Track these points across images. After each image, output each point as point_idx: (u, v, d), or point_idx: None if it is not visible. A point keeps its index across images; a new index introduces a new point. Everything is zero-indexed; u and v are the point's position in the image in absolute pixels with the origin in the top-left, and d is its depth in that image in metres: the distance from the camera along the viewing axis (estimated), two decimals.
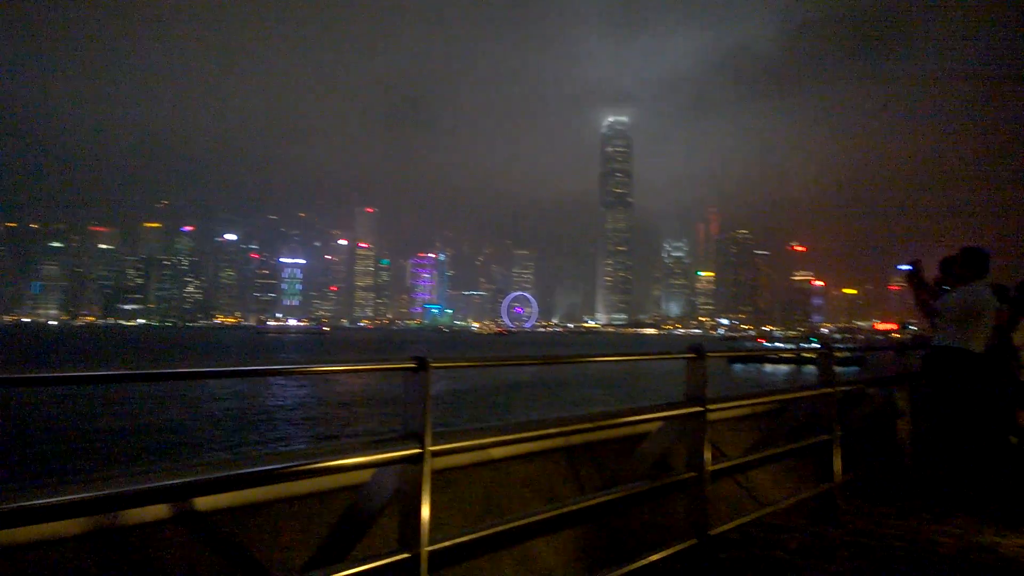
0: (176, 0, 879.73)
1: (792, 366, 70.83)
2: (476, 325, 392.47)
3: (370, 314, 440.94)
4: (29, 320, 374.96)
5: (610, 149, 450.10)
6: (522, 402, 37.65)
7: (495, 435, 3.00)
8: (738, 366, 70.03)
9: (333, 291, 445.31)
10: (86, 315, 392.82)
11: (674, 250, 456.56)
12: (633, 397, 39.69)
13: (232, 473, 2.10)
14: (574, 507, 3.30)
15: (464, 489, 3.60)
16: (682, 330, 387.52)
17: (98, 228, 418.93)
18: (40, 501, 1.68)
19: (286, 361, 2.51)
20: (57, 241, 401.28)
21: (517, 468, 3.98)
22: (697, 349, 4.08)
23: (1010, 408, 7.58)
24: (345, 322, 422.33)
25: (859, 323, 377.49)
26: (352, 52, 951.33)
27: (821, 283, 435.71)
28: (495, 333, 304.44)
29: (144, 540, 2.50)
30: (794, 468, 6.03)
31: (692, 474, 3.94)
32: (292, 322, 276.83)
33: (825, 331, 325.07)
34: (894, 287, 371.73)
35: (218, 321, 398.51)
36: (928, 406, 6.45)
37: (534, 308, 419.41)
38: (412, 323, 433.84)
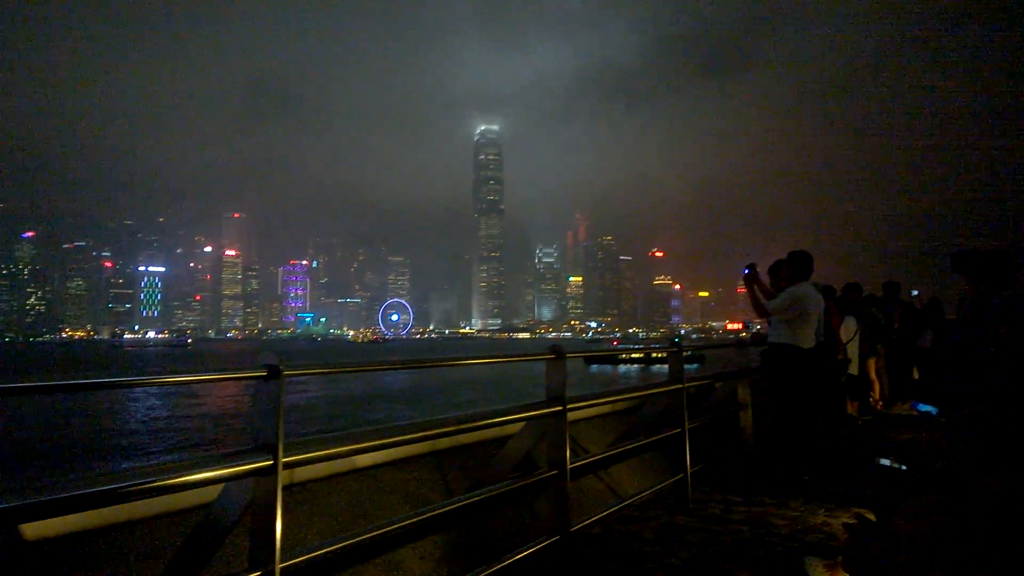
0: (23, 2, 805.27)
1: (643, 365, 76.41)
2: (351, 333, 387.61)
3: (239, 324, 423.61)
4: None
5: (483, 157, 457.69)
6: (393, 408, 37.49)
7: (355, 442, 2.90)
8: (594, 367, 76.48)
9: (198, 300, 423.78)
10: None
11: (545, 256, 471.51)
12: (505, 400, 40.12)
13: (64, 496, 1.87)
14: (439, 511, 3.27)
15: (326, 501, 3.50)
16: (554, 333, 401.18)
17: None
18: None
19: (139, 374, 2.30)
20: None
21: (384, 475, 3.94)
22: (556, 350, 4.11)
23: (839, 399, 8.42)
24: (212, 333, 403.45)
25: (713, 323, 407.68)
26: (217, 47, 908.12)
27: (678, 287, 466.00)
28: (370, 341, 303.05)
29: None
30: (651, 462, 6.27)
31: (554, 472, 3.97)
32: (152, 334, 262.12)
33: (683, 331, 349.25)
34: (741, 289, 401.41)
35: (66, 335, 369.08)
36: (766, 399, 6.89)
37: (410, 315, 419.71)
38: (284, 332, 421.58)
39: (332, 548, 2.63)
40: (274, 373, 2.39)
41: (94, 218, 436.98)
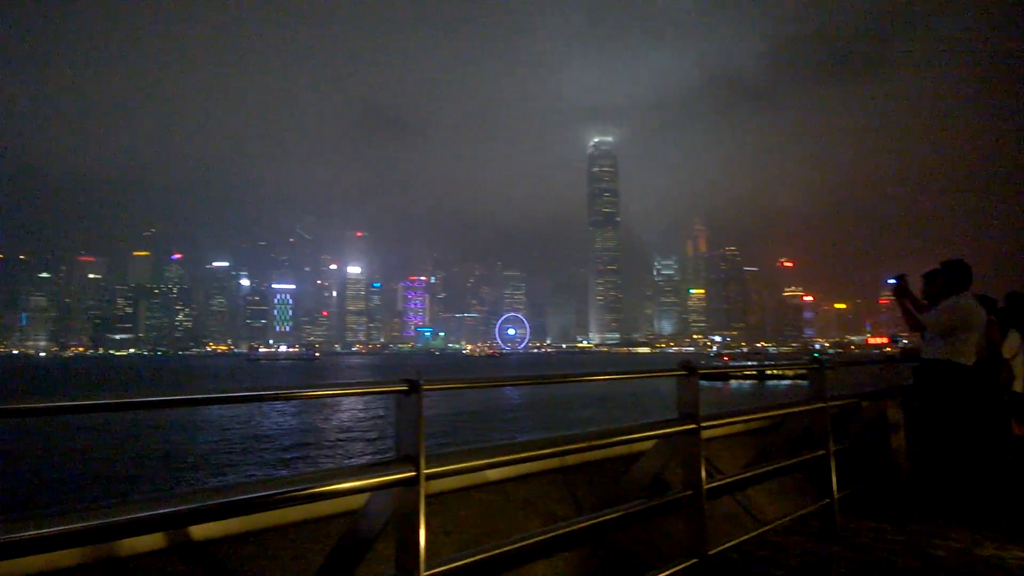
0: (159, 28, 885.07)
1: (756, 381, 71.88)
2: (468, 347, 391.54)
3: (362, 339, 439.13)
4: (17, 352, 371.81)
5: (596, 169, 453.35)
6: (516, 424, 37.46)
7: (490, 457, 2.98)
8: (703, 383, 69.88)
9: (325, 316, 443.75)
10: (75, 346, 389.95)
11: (664, 268, 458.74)
12: (629, 416, 39.05)
13: (225, 501, 2.09)
14: (570, 528, 3.25)
15: (459, 512, 3.57)
16: (675, 348, 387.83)
17: (86, 258, 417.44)
18: (36, 532, 1.68)
19: (278, 387, 2.50)
20: (45, 272, 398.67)
21: (513, 490, 3.94)
22: (687, 366, 4.03)
23: (1003, 420, 7.48)
24: (338, 347, 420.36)
25: (852, 337, 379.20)
26: (335, 74, 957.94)
27: (811, 298, 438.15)
28: (487, 355, 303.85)
29: (139, 570, 2.50)
30: (791, 484, 5.97)
31: (689, 492, 3.88)
32: (283, 348, 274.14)
33: (818, 346, 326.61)
34: (884, 300, 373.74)
35: (209, 349, 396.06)
36: (921, 419, 6.43)
37: (526, 329, 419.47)
38: (405, 347, 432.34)
39: (471, 560, 2.71)
40: (414, 388, 2.51)
41: (232, 240, 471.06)
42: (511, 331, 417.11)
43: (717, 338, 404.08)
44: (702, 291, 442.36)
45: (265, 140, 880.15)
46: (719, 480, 4.39)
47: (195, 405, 2.17)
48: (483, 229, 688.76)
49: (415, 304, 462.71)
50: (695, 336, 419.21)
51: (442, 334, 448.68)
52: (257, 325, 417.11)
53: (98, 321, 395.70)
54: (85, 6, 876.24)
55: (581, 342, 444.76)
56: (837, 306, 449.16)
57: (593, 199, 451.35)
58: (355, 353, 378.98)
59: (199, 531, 2.69)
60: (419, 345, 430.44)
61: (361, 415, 41.52)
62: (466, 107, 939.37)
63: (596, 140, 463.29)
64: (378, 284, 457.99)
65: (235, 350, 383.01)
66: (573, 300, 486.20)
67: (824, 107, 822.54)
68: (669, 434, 3.94)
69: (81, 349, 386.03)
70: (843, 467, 5.57)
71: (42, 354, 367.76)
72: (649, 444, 4.10)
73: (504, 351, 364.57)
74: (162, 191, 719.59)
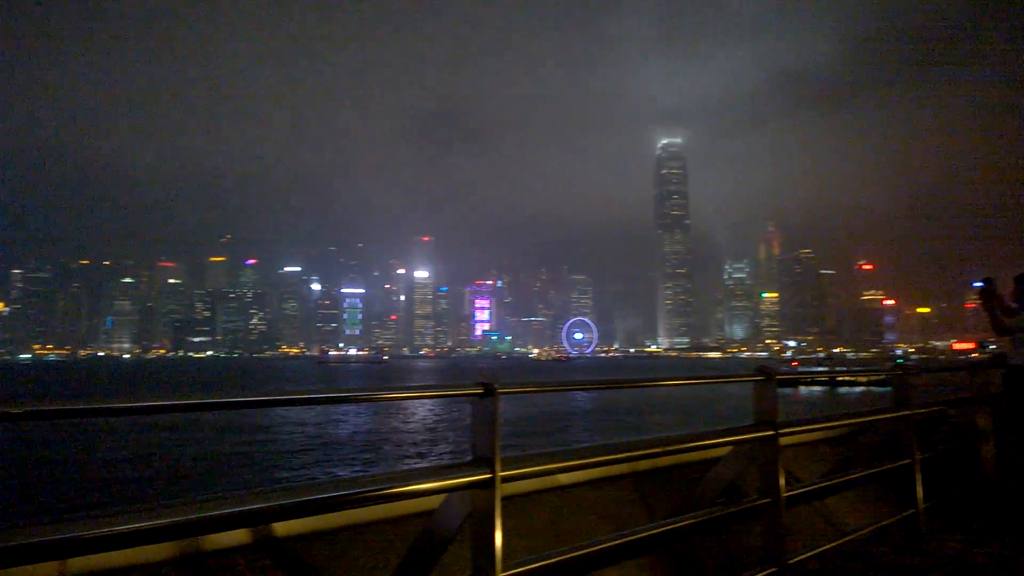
0: (232, 42, 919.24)
1: (827, 387, 69.54)
2: (535, 351, 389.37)
3: (430, 342, 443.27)
4: (103, 354, 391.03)
5: (665, 171, 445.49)
6: (585, 428, 36.77)
7: (563, 460, 2.99)
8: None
9: (393, 320, 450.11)
10: (157, 348, 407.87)
11: (735, 271, 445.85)
12: (700, 422, 37.98)
13: (306, 499, 2.17)
14: (644, 534, 3.23)
15: (531, 515, 3.58)
16: (747, 353, 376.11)
17: (166, 263, 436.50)
18: (128, 527, 1.78)
19: (355, 389, 2.58)
20: (128, 277, 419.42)
21: (584, 494, 3.94)
22: (765, 371, 3.98)
23: None
24: (406, 351, 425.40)
25: (936, 343, 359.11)
26: (404, 81, 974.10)
27: (892, 302, 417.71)
28: (553, 359, 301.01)
29: (225, 565, 2.62)
30: (873, 494, 5.81)
31: (766, 500, 3.82)
32: (353, 351, 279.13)
33: (899, 351, 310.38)
34: (970, 304, 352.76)
35: (282, 352, 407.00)
36: (1011, 428, 6.22)
37: (594, 333, 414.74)
38: (472, 351, 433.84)
39: (546, 562, 2.72)
40: (489, 391, 2.55)
41: (304, 245, 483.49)
42: (578, 335, 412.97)
43: (791, 343, 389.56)
44: (775, 295, 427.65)
45: (335, 147, 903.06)
46: (798, 488, 4.30)
47: (278, 406, 2.27)
48: (550, 233, 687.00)
49: (482, 308, 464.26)
50: (768, 341, 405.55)
51: (508, 338, 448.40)
52: (328, 329, 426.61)
53: (178, 324, 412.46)
54: (166, 18, 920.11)
55: (649, 347, 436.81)
56: (920, 310, 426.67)
57: (661, 202, 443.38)
58: (422, 357, 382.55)
59: (280, 528, 2.78)
60: (486, 349, 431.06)
61: (430, 417, 41.48)
62: (533, 111, 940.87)
63: (664, 142, 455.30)
64: (445, 288, 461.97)
65: (307, 352, 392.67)
66: (641, 304, 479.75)
67: (904, 104, 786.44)
68: (746, 440, 3.88)
69: (162, 351, 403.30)
70: (929, 477, 5.40)
71: (126, 356, 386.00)
72: (724, 451, 4.04)
73: (571, 355, 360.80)
74: (238, 198, 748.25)
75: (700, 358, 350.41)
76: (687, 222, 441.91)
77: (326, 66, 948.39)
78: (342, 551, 2.92)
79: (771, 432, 3.86)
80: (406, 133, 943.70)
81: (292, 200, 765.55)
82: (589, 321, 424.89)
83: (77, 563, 2.30)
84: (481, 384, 2.56)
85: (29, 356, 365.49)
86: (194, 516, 1.91)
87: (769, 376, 3.95)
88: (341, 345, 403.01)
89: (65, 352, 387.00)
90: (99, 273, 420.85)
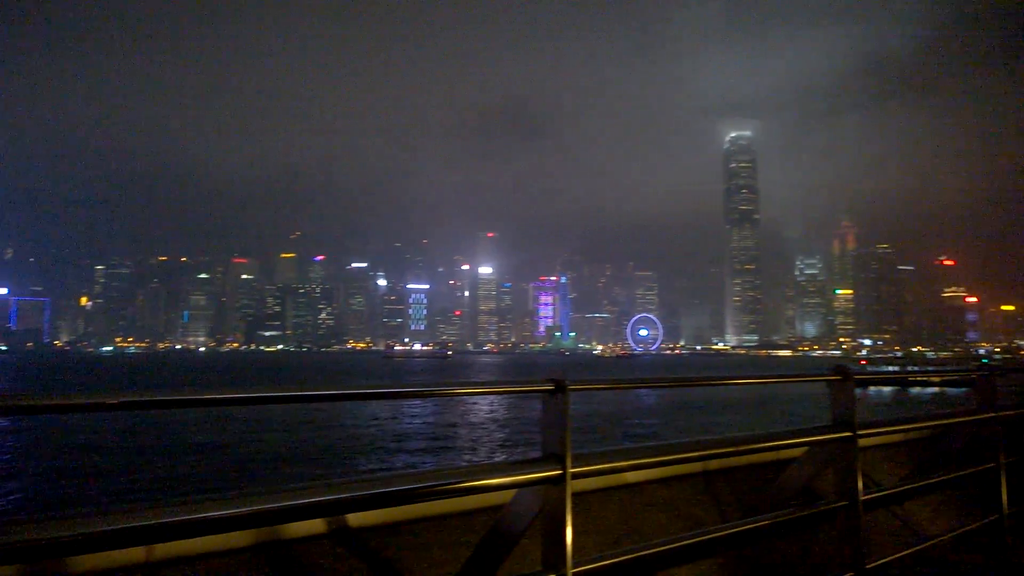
0: (301, 44, 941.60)
1: (897, 387, 67.17)
2: (599, 348, 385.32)
3: (493, 338, 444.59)
4: (180, 347, 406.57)
5: (733, 165, 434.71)
6: (651, 426, 36.38)
7: (634, 458, 3.00)
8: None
9: (457, 316, 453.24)
10: (231, 342, 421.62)
11: (807, 267, 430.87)
12: (770, 422, 37.52)
13: (380, 491, 2.25)
14: (716, 534, 3.22)
15: (599, 512, 3.59)
16: (819, 351, 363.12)
17: (240, 259, 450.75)
18: (213, 514, 1.88)
19: (425, 384, 2.68)
20: (203, 273, 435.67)
21: (653, 492, 3.93)
22: (843, 371, 3.89)
23: None
24: (470, 346, 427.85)
25: (1021, 342, 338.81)
26: (468, 77, 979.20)
27: (974, 299, 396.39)
28: (617, 356, 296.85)
29: (301, 553, 2.72)
30: (955, 499, 5.61)
31: (844, 503, 3.72)
32: (417, 347, 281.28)
33: (983, 351, 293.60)
34: None
35: (349, 346, 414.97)
36: None
37: (659, 330, 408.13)
38: (536, 347, 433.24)
39: (617, 560, 2.74)
40: (560, 387, 2.57)
41: (370, 241, 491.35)
42: (643, 332, 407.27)
43: (867, 341, 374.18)
44: (850, 291, 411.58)
45: (401, 144, 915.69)
46: (876, 492, 4.20)
47: (356, 400, 2.40)
48: (614, 229, 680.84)
49: (545, 304, 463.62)
50: (841, 339, 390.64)
51: (572, 334, 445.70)
52: (393, 324, 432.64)
53: (250, 318, 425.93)
54: (241, 22, 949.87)
55: (717, 344, 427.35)
56: (1004, 308, 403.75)
57: (730, 196, 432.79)
58: (486, 352, 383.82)
59: (353, 518, 2.88)
60: (549, 345, 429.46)
61: (495, 412, 41.18)
62: (599, 105, 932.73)
63: (733, 135, 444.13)
64: (508, 284, 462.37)
65: (373, 347, 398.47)
66: (708, 301, 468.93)
67: (989, 94, 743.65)
68: (823, 442, 3.78)
69: (236, 345, 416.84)
70: (1014, 482, 5.17)
71: (201, 349, 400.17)
72: (799, 451, 3.96)
73: (636, 352, 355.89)
74: (307, 196, 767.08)
75: (770, 356, 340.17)
76: (756, 216, 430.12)
77: (392, 65, 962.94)
78: (413, 543, 2.96)
79: (849, 433, 3.77)
80: (471, 129, 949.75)
81: (359, 197, 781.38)
82: (654, 318, 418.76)
83: (162, 548, 2.43)
84: (552, 381, 2.58)
85: (111, 349, 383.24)
86: (272, 505, 1.99)
87: (847, 376, 3.86)
88: (406, 340, 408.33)
89: (144, 345, 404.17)
90: (176, 269, 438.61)
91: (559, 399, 2.58)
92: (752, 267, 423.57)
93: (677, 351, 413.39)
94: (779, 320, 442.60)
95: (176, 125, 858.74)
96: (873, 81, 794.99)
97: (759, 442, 3.63)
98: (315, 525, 2.80)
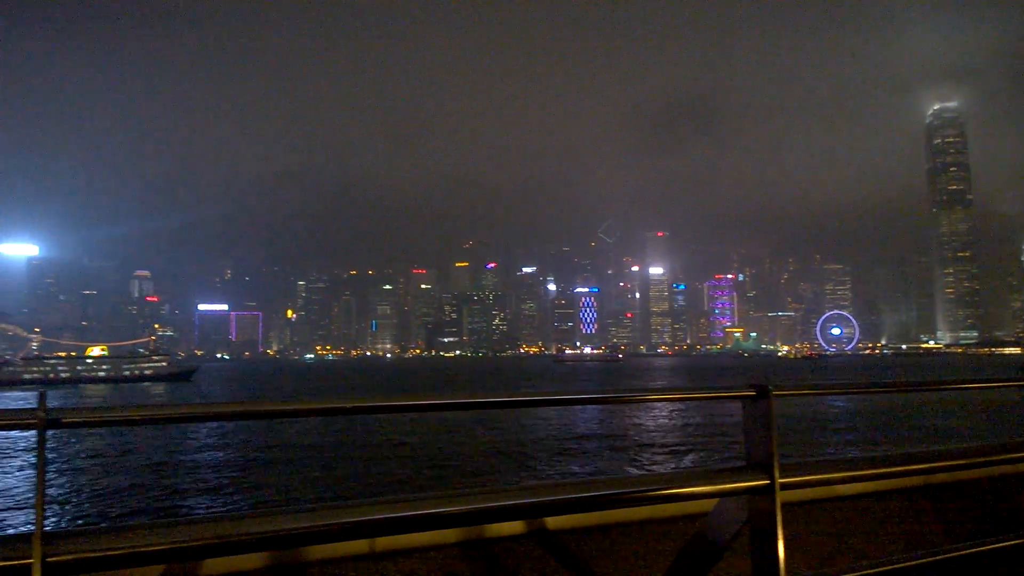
0: (464, 58, 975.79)
1: None
2: (785, 349, 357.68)
3: (667, 340, 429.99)
4: (370, 354, 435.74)
5: (938, 141, 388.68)
6: (850, 433, 33.72)
7: (848, 469, 2.84)
8: None
9: (629, 318, 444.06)
10: (413, 348, 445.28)
11: None
12: (1005, 432, 33.11)
13: (582, 496, 2.28)
14: (944, 556, 2.94)
15: (806, 526, 3.38)
16: None
17: (418, 270, 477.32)
18: (429, 511, 2.05)
19: (616, 391, 2.71)
20: (388, 284, 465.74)
21: (868, 506, 3.66)
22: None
23: None
24: (643, 349, 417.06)
25: None
26: (632, 74, 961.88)
27: None
28: (804, 357, 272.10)
29: (502, 552, 2.82)
30: None
31: None
32: (588, 350, 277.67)
33: None
34: None
35: (522, 351, 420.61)
36: None
37: (855, 328, 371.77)
38: (713, 348, 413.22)
39: None
40: (763, 393, 2.48)
41: (539, 247, 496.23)
42: (835, 330, 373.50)
43: None
44: None
45: (566, 148, 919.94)
46: None
47: (552, 405, 2.49)
48: (797, 220, 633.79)
49: (722, 304, 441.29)
50: None
51: (753, 335, 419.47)
52: (564, 328, 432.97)
53: (430, 326, 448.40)
54: (409, 44, 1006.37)
55: (926, 342, 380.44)
56: None
57: (935, 176, 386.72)
58: (659, 355, 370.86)
59: (551, 521, 2.92)
60: (728, 347, 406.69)
61: (674, 419, 39.64)
62: (775, 88, 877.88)
63: (936, 107, 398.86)
64: (682, 285, 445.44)
65: (545, 352, 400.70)
66: (913, 294, 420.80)
67: None
68: None
69: (418, 351, 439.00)
70: None
71: (388, 356, 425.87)
72: None
73: (827, 353, 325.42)
74: (478, 206, 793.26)
75: (992, 354, 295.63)
76: (969, 197, 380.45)
77: (560, 66, 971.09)
78: (611, 548, 2.93)
79: None
80: (638, 128, 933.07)
81: (527, 203, 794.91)
82: (848, 315, 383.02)
83: (382, 541, 2.65)
84: (754, 386, 2.50)
85: (312, 356, 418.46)
86: (480, 505, 2.13)
87: None
88: (577, 344, 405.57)
89: (339, 353, 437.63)
90: (364, 282, 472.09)
91: (762, 405, 2.48)
92: (967, 254, 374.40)
93: (877, 351, 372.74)
94: (1003, 313, 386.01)
95: (358, 148, 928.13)
96: None
97: (995, 453, 3.29)
98: (516, 525, 2.85)
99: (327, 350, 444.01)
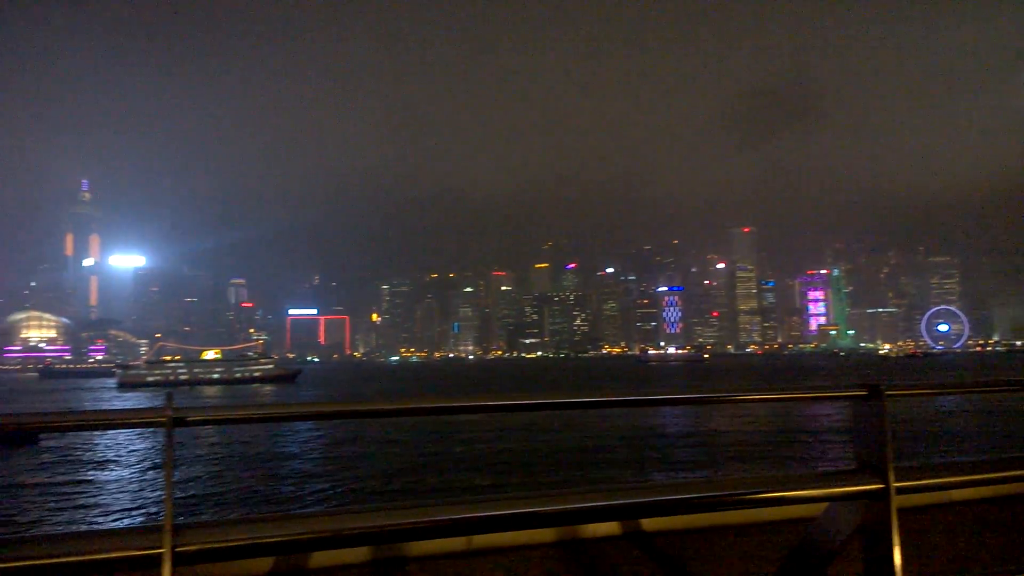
0: (543, 57, 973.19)
1: None
2: (886, 347, 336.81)
3: (757, 339, 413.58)
4: (452, 355, 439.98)
5: None
6: (959, 435, 32.11)
7: (968, 473, 2.68)
8: None
9: (714, 317, 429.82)
10: (495, 350, 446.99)
11: None
12: None
13: (677, 497, 2.24)
14: None
15: (920, 532, 3.21)
16: None
17: (498, 272, 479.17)
18: (523, 510, 2.08)
19: (719, 391, 2.62)
20: (468, 287, 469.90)
21: (985, 513, 3.45)
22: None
23: None
24: (730, 348, 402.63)
25: None
26: (717, 68, 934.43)
27: None
28: (907, 355, 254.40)
29: (599, 552, 2.80)
30: None
31: None
32: (672, 350, 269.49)
33: None
34: None
35: (605, 351, 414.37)
36: None
37: (963, 324, 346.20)
38: (807, 347, 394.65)
39: None
40: (875, 393, 2.38)
41: (619, 246, 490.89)
42: (942, 327, 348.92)
43: None
44: None
45: (647, 143, 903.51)
46: None
47: (647, 406, 2.42)
48: (897, 211, 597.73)
49: (815, 300, 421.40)
50: None
51: (851, 332, 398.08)
52: (647, 328, 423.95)
53: (511, 327, 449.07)
54: (485, 55, 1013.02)
55: None
56: None
57: None
58: (748, 354, 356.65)
59: (648, 522, 2.86)
60: (823, 345, 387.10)
61: (768, 419, 38.32)
62: (869, 72, 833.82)
63: None
64: (771, 282, 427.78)
65: (628, 352, 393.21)
66: None
67: None
68: None
69: (499, 353, 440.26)
70: None
71: (470, 357, 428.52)
72: None
73: (934, 351, 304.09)
74: (556, 207, 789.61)
75: None
76: None
77: (640, 63, 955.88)
78: (712, 551, 2.88)
79: None
80: (721, 122, 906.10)
81: (606, 202, 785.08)
82: (957, 310, 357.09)
83: (480, 538, 2.66)
84: (865, 386, 2.42)
85: (397, 358, 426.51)
86: (575, 506, 2.14)
87: None
88: (661, 344, 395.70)
89: (423, 355, 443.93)
90: (446, 285, 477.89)
91: (874, 406, 2.39)
92: None
93: (989, 348, 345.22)
94: None
95: (437, 153, 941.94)
96: None
97: None
98: (612, 526, 2.82)
99: (411, 352, 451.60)
